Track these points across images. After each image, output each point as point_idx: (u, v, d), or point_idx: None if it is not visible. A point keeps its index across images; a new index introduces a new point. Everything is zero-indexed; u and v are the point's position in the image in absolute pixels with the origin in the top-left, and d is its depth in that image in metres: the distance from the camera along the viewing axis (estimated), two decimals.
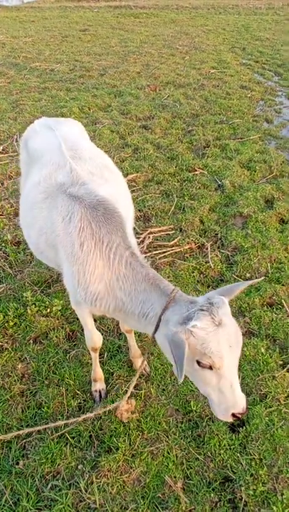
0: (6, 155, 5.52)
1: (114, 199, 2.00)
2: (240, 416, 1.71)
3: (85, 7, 18.76)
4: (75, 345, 2.94)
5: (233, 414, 1.69)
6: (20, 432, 2.33)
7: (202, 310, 1.64)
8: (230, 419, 1.72)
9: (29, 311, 3.10)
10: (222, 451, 2.31)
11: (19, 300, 3.25)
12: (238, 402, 1.67)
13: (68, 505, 2.10)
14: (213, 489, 2.18)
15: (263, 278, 2.94)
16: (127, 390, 2.33)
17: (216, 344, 1.58)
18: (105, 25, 14.36)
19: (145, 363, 2.76)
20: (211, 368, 1.62)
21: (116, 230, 1.90)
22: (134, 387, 2.64)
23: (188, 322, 1.62)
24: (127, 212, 2.17)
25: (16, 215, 4.30)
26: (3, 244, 3.83)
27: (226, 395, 1.67)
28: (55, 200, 1.98)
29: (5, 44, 11.52)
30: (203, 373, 1.66)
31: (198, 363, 1.63)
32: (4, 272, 3.56)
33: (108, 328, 3.02)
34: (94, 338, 2.43)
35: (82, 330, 3.01)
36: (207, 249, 3.72)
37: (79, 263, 1.90)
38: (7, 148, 5.69)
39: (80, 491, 2.16)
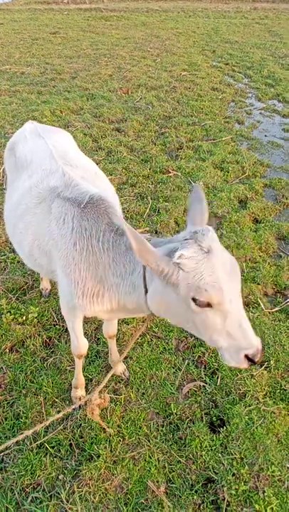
0: None
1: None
2: (256, 359, 1.47)
3: (55, 9, 18.60)
4: (52, 352, 2.88)
5: (248, 358, 1.47)
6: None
7: (186, 239, 1.47)
8: (245, 365, 1.49)
9: (4, 319, 3.03)
10: (204, 453, 2.31)
11: None
12: (252, 342, 1.45)
13: None
14: (196, 491, 2.18)
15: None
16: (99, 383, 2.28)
17: (209, 273, 1.39)
18: (76, 27, 14.27)
19: (124, 366, 2.74)
20: (210, 305, 1.42)
21: (102, 218, 1.84)
22: (114, 391, 2.63)
23: (173, 255, 1.43)
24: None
25: None
26: None
27: (236, 337, 1.45)
28: (49, 204, 1.94)
29: None
30: (204, 315, 1.45)
31: (195, 300, 1.43)
32: None
33: (86, 333, 2.98)
34: (81, 345, 2.38)
35: (59, 336, 2.98)
36: None
37: (74, 263, 1.86)
38: None
39: (62, 501, 2.11)
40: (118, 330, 2.95)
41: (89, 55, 10.47)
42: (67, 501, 2.11)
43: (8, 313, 3.07)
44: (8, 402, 2.59)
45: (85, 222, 1.85)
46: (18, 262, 3.58)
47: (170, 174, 4.94)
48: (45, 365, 2.78)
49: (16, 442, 2.37)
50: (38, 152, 2.28)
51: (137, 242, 1.45)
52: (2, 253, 3.75)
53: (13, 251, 3.66)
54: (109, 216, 1.85)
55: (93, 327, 2.98)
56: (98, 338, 2.94)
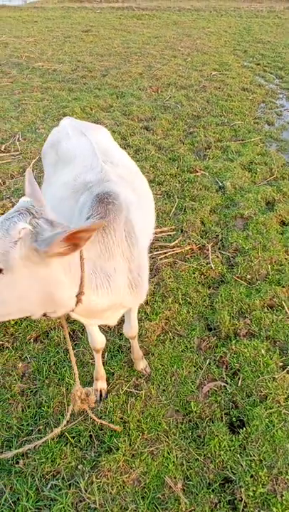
0: (8, 154, 5.53)
1: (130, 203, 1.95)
2: None
3: (88, 8, 18.79)
4: (75, 344, 2.94)
5: None
6: (12, 454, 2.30)
7: None
8: None
9: None
10: (222, 452, 2.31)
11: None
12: None
13: (68, 505, 2.10)
14: (213, 490, 2.18)
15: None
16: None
17: None
18: (108, 26, 14.38)
19: (146, 363, 2.77)
20: None
21: (101, 211, 1.79)
22: (135, 387, 2.66)
23: None
24: (143, 224, 2.08)
25: None
26: None
27: None
28: (79, 196, 1.96)
29: (8, 44, 11.53)
30: None
31: None
32: None
33: (109, 328, 3.02)
34: (95, 340, 2.44)
35: (83, 330, 3.03)
36: (208, 250, 3.72)
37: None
38: (9, 148, 5.69)
39: (80, 490, 2.16)
40: (141, 327, 2.98)
41: (120, 54, 10.53)
42: (86, 491, 2.16)
43: None
44: (32, 391, 2.65)
45: (89, 212, 1.81)
46: None
47: (197, 174, 4.93)
48: (68, 356, 2.83)
49: (38, 431, 2.44)
50: (81, 149, 2.30)
51: None
52: None
53: None
54: (106, 210, 1.79)
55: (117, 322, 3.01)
56: (121, 334, 2.98)
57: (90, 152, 2.22)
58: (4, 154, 5.53)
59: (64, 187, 2.19)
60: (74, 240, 1.41)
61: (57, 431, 2.22)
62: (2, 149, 5.64)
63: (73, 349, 2.90)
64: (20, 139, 5.95)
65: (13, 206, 4.37)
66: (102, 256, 1.74)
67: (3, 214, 4.18)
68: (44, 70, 9.10)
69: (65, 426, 2.39)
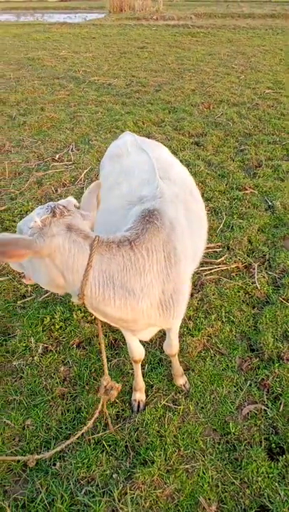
0: (62, 163, 5.75)
1: (178, 224, 1.94)
2: None
3: (144, 25, 19.29)
4: (116, 353, 2.98)
5: None
6: (50, 454, 2.36)
7: None
8: None
9: (75, 316, 3.18)
10: (259, 479, 2.25)
11: (66, 304, 3.34)
12: None
13: None
14: None
15: None
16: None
17: None
18: (163, 43, 14.70)
19: (186, 379, 2.75)
20: None
21: (139, 227, 1.84)
22: (173, 402, 2.65)
23: None
24: (191, 246, 2.08)
25: None
26: None
27: None
28: (131, 209, 2.00)
29: (66, 58, 12.06)
30: None
31: None
32: None
33: (151, 340, 3.04)
34: (133, 350, 2.47)
35: (124, 340, 3.06)
36: (254, 269, 3.67)
37: None
38: (62, 157, 5.92)
39: (114, 500, 2.17)
40: (182, 341, 2.98)
41: (173, 70, 10.71)
42: (119, 501, 2.16)
43: (79, 311, 3.22)
44: (72, 395, 2.71)
45: (130, 225, 1.87)
46: None
47: (246, 191, 4.89)
48: (108, 365, 2.87)
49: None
50: (140, 164, 2.33)
51: None
52: None
53: None
54: (143, 228, 1.82)
55: (159, 335, 3.03)
56: (161, 346, 2.98)
57: (148, 167, 2.24)
58: (58, 163, 5.75)
59: (120, 199, 2.24)
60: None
61: (89, 424, 2.22)
62: (56, 158, 5.88)
63: (114, 358, 2.95)
64: (73, 149, 6.18)
65: None
66: (125, 271, 1.74)
67: None
68: (99, 84, 9.43)
69: (96, 431, 2.42)
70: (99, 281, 1.71)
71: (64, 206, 1.67)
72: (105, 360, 2.16)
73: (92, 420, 2.19)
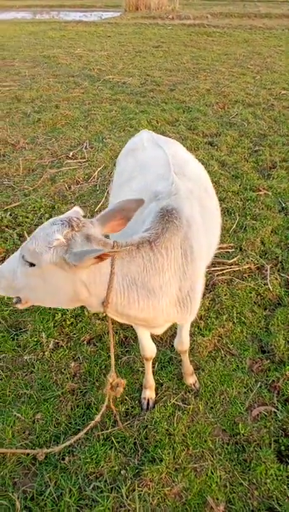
0: (75, 161, 5.77)
1: (194, 221, 1.95)
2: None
3: (160, 24, 19.25)
4: (127, 351, 2.99)
5: None
6: (59, 448, 2.36)
7: None
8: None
9: (86, 313, 3.20)
10: (268, 481, 2.24)
11: None
12: None
13: (109, 509, 2.13)
14: None
15: None
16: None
17: None
18: (178, 42, 14.65)
19: (196, 378, 2.75)
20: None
21: (157, 226, 1.83)
22: (182, 400, 2.65)
23: None
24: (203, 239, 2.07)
25: None
26: None
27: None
28: (147, 205, 2.00)
29: (82, 57, 12.10)
30: None
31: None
32: None
33: (161, 339, 3.04)
34: (145, 348, 2.48)
35: (135, 337, 3.07)
36: (266, 271, 3.65)
37: None
38: (76, 155, 5.95)
39: (121, 496, 2.18)
40: (193, 341, 2.98)
41: (188, 69, 10.68)
42: (127, 497, 2.17)
43: None
44: (82, 391, 2.73)
45: (148, 225, 1.86)
46: None
47: (260, 193, 4.86)
48: (119, 362, 2.89)
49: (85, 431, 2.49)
50: (155, 159, 2.34)
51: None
52: None
53: None
54: (163, 227, 1.82)
55: (170, 333, 3.03)
56: (172, 345, 2.99)
57: (163, 162, 2.25)
58: (72, 161, 5.78)
59: (134, 194, 2.24)
60: (101, 257, 1.58)
61: (97, 418, 2.23)
62: (70, 156, 5.91)
63: (124, 355, 2.95)
64: (87, 147, 6.20)
65: None
66: (145, 272, 1.76)
67: None
68: (114, 83, 9.44)
69: (105, 427, 2.44)
70: (123, 285, 1.72)
71: (77, 218, 1.65)
72: (113, 358, 2.16)
73: (99, 414, 2.20)
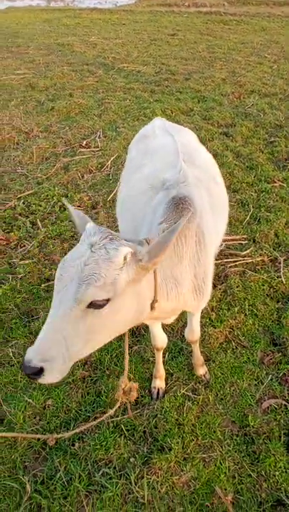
0: (89, 150, 5.75)
1: (204, 209, 1.96)
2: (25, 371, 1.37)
3: (176, 12, 18.95)
4: (138, 340, 2.99)
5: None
6: (69, 434, 2.38)
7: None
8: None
9: None
10: (277, 473, 2.24)
11: None
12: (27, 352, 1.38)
13: (117, 495, 2.15)
14: (263, 510, 2.12)
15: None
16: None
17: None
18: (194, 30, 14.42)
19: (206, 369, 2.75)
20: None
21: (175, 216, 1.81)
22: (192, 391, 2.65)
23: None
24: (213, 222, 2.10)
25: (93, 207, 4.47)
26: (78, 235, 3.99)
27: None
28: (155, 194, 2.01)
29: (96, 45, 11.99)
30: None
31: None
32: None
33: (172, 329, 3.04)
34: (156, 338, 2.48)
35: (146, 327, 3.07)
36: (280, 263, 3.61)
37: None
38: (90, 144, 5.92)
39: (130, 483, 2.20)
40: (204, 332, 2.97)
41: (204, 58, 10.52)
42: (136, 484, 2.19)
43: None
44: (92, 379, 2.75)
45: (163, 216, 1.84)
46: None
47: (275, 184, 4.79)
48: (130, 351, 2.89)
49: (95, 418, 2.51)
50: (165, 146, 2.35)
51: None
52: None
53: None
54: (180, 216, 1.79)
55: (180, 324, 3.02)
56: (183, 335, 2.98)
57: (172, 150, 2.26)
58: (85, 150, 5.76)
59: (143, 181, 2.25)
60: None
61: (106, 415, 2.27)
62: (83, 145, 5.89)
63: (135, 345, 2.96)
64: (100, 136, 6.17)
65: (89, 200, 4.52)
66: (172, 262, 1.78)
67: (80, 207, 4.32)
68: (128, 71, 9.35)
69: (115, 414, 2.44)
70: (162, 279, 1.73)
71: (105, 230, 1.52)
72: (127, 363, 2.12)
73: (113, 409, 2.19)
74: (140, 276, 1.50)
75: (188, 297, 1.93)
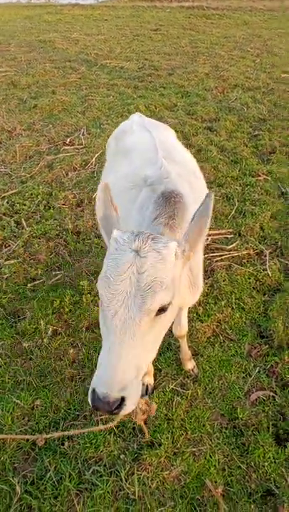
0: (73, 147, 5.71)
1: (190, 203, 1.97)
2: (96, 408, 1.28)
3: (158, 7, 18.87)
4: None
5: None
6: (58, 435, 2.37)
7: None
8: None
9: (84, 300, 3.19)
10: (266, 464, 2.26)
11: (75, 288, 3.35)
12: (93, 379, 1.29)
13: (108, 492, 2.15)
14: (253, 501, 2.14)
15: None
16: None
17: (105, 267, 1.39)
18: (176, 25, 14.37)
19: (194, 364, 2.76)
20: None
21: (168, 209, 1.80)
22: (181, 386, 2.66)
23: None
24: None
25: (78, 205, 4.44)
26: (64, 233, 3.97)
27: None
28: (139, 192, 2.00)
29: (78, 41, 11.88)
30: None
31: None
32: (63, 259, 3.69)
33: None
34: None
35: None
36: (265, 256, 3.63)
37: None
38: (74, 141, 5.87)
39: (121, 480, 2.20)
40: (192, 327, 2.97)
41: (187, 53, 10.50)
42: (126, 481, 2.19)
43: (89, 295, 3.23)
44: (80, 378, 2.73)
45: (156, 212, 1.82)
46: (102, 247, 3.74)
47: (260, 178, 4.82)
48: None
49: (84, 417, 2.51)
50: (142, 143, 2.35)
51: None
52: (88, 237, 3.95)
53: (98, 236, 3.83)
54: (174, 209, 1.80)
55: None
56: (170, 331, 2.98)
57: (151, 146, 2.25)
58: (69, 147, 5.71)
59: (123, 179, 2.24)
60: None
61: (103, 427, 2.20)
62: (67, 142, 5.84)
63: None
64: (84, 133, 6.12)
65: (74, 197, 4.49)
66: None
67: (65, 205, 4.27)
68: (111, 67, 9.29)
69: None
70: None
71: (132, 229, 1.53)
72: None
73: (115, 421, 1.97)
74: (184, 266, 1.50)
75: (186, 292, 1.94)
